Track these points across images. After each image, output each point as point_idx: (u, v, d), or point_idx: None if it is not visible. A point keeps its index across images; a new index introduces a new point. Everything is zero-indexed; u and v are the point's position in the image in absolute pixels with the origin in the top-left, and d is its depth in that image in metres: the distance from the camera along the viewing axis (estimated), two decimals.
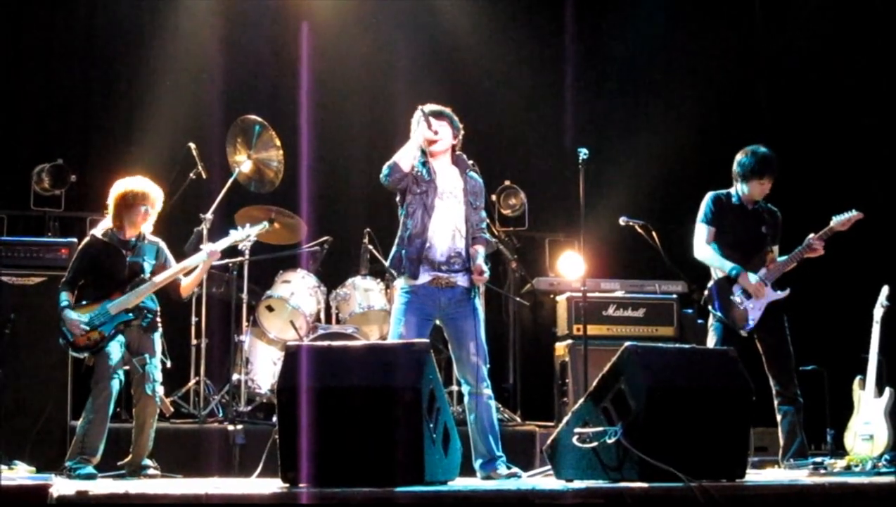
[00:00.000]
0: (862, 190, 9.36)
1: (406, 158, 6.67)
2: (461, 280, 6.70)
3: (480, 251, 6.79)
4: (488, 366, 6.73)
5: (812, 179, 9.64)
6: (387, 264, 6.93)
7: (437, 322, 6.79)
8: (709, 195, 7.68)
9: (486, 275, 6.73)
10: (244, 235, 7.70)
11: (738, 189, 7.61)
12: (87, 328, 7.06)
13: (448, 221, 6.71)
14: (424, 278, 6.65)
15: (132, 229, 7.30)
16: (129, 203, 7.25)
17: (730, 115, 10.46)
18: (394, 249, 6.78)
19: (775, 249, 7.64)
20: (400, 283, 6.74)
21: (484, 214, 6.95)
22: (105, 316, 7.12)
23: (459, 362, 6.74)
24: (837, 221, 7.55)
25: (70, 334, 7.08)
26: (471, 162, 6.91)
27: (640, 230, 8.52)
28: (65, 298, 7.14)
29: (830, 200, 8.29)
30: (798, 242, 7.55)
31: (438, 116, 6.81)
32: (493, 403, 6.75)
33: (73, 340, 7.08)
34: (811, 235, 7.53)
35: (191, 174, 8.86)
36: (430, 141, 6.74)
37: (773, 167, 7.53)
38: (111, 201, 7.29)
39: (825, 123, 10.13)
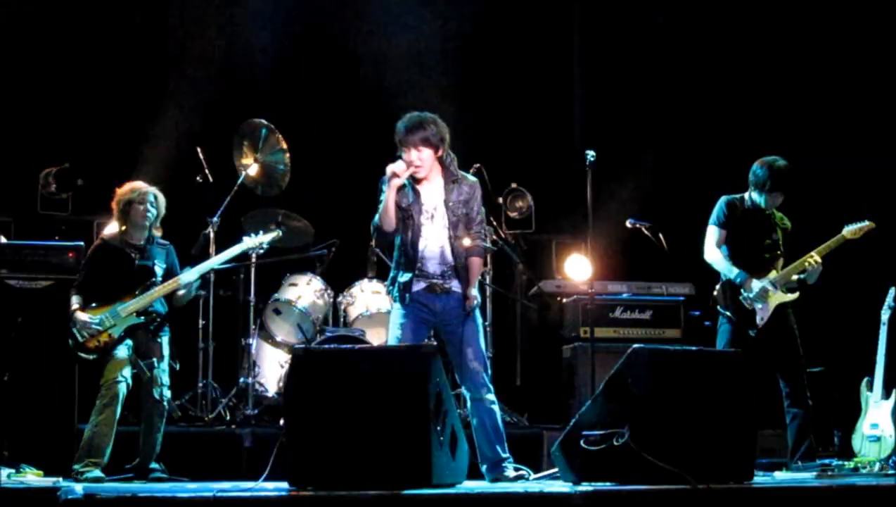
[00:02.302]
0: (868, 190, 9.35)
1: (388, 220, 6.58)
2: (455, 286, 6.66)
3: (474, 270, 6.69)
4: (489, 372, 6.70)
5: (820, 181, 9.62)
6: (385, 285, 6.90)
7: (435, 327, 6.78)
8: (722, 199, 7.68)
9: (476, 302, 6.68)
10: (256, 242, 7.69)
11: (751, 195, 7.61)
12: (98, 330, 7.08)
13: (436, 239, 6.64)
14: (419, 285, 6.64)
15: (139, 231, 7.32)
16: (129, 204, 7.28)
17: (740, 116, 10.44)
18: (391, 272, 6.76)
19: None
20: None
21: (480, 216, 6.78)
22: (115, 319, 7.14)
23: (459, 368, 6.70)
24: (849, 230, 7.55)
25: (80, 336, 7.10)
26: (460, 174, 6.79)
27: (647, 232, 8.52)
28: (75, 301, 7.17)
29: (837, 202, 8.30)
30: (809, 247, 7.55)
31: (420, 143, 6.57)
32: (496, 407, 6.70)
33: (83, 342, 7.10)
34: (815, 251, 7.53)
35: (197, 178, 8.85)
36: (412, 176, 6.65)
37: (787, 183, 7.52)
38: (114, 207, 7.33)
39: (832, 124, 10.12)
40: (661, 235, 8.42)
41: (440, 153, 6.65)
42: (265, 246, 7.87)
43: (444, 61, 10.54)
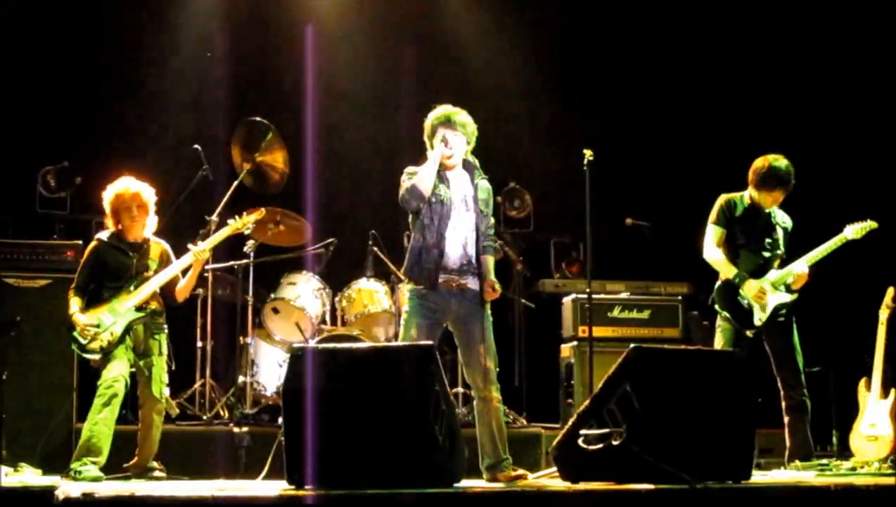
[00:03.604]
0: (869, 188, 9.34)
1: (427, 182, 6.64)
2: (472, 284, 6.69)
3: (490, 265, 6.77)
4: (498, 369, 6.72)
5: (821, 180, 9.62)
6: (402, 272, 6.89)
7: (446, 325, 6.79)
8: (721, 198, 7.67)
9: (499, 291, 6.73)
10: (241, 223, 7.67)
11: (751, 194, 7.60)
12: (99, 331, 7.07)
13: (460, 230, 6.69)
14: (439, 280, 6.65)
15: (134, 231, 7.31)
16: (121, 205, 7.27)
17: (740, 114, 10.43)
18: (409, 258, 6.73)
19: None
20: (411, 286, 6.73)
21: (492, 220, 6.93)
22: (115, 316, 7.13)
23: (469, 364, 6.73)
24: (851, 230, 7.55)
25: (82, 339, 7.09)
26: (478, 166, 6.91)
27: (645, 231, 8.52)
28: (75, 303, 7.15)
29: (839, 200, 8.29)
30: (811, 246, 7.55)
31: (459, 128, 6.76)
32: (501, 406, 6.74)
33: (86, 343, 7.09)
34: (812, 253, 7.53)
35: (200, 172, 8.84)
36: (445, 157, 6.74)
37: (787, 182, 7.50)
38: (106, 208, 7.31)
39: (833, 121, 10.12)
40: (659, 234, 8.42)
41: (470, 147, 6.83)
42: (251, 226, 7.86)
43: (441, 61, 10.54)
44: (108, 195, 7.32)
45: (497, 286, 6.71)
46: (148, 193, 7.34)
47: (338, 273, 9.35)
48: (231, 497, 5.40)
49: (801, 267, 7.50)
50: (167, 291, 7.37)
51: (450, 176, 6.78)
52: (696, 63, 10.67)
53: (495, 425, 6.65)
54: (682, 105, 10.67)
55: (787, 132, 9.79)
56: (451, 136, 6.75)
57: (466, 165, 6.87)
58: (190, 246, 7.44)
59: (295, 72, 10.17)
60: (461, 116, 6.81)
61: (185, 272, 7.40)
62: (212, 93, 10.02)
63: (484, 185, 6.88)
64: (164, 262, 7.39)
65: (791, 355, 7.51)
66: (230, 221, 7.66)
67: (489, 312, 6.77)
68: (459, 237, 6.69)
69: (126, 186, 7.30)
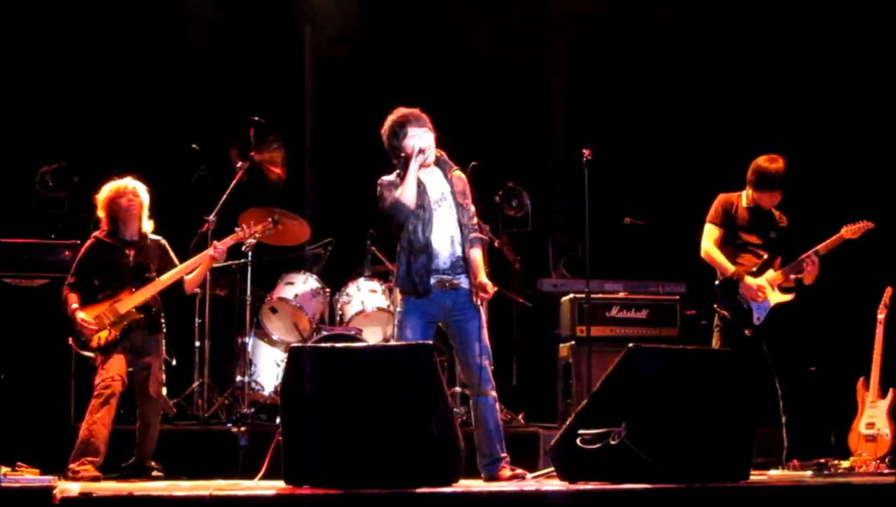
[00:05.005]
0: (865, 189, 9.35)
1: (411, 195, 6.58)
2: (464, 282, 6.68)
3: (479, 259, 6.74)
4: (492, 367, 6.72)
5: (818, 180, 9.63)
6: (394, 281, 6.87)
7: (441, 324, 6.79)
8: (719, 197, 7.68)
9: (491, 292, 6.69)
10: (248, 233, 7.69)
11: (749, 194, 7.60)
12: (97, 328, 7.07)
13: (445, 229, 6.66)
14: (431, 281, 6.63)
15: (129, 228, 7.31)
16: (114, 202, 7.27)
17: (738, 114, 10.43)
18: (399, 268, 6.68)
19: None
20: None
21: (473, 208, 6.85)
22: (116, 316, 7.12)
23: (464, 363, 6.72)
24: (848, 229, 7.54)
25: (81, 335, 7.09)
26: (450, 160, 6.87)
27: (643, 231, 8.51)
28: (72, 299, 7.15)
29: (835, 201, 8.28)
30: (808, 246, 7.54)
31: (429, 125, 6.75)
32: (497, 404, 6.74)
33: (85, 340, 7.09)
34: (814, 250, 7.51)
35: (197, 172, 8.83)
36: (425, 163, 6.70)
37: (784, 181, 7.51)
38: (99, 209, 7.31)
39: (828, 123, 10.11)
40: (657, 234, 8.41)
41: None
42: (257, 236, 7.86)
43: (439, 60, 10.53)
44: (100, 198, 7.33)
45: (489, 288, 6.65)
46: (138, 186, 7.35)
47: (336, 273, 9.34)
48: (229, 497, 5.40)
49: (813, 259, 7.46)
50: (175, 284, 7.36)
51: (424, 178, 6.72)
52: (695, 62, 10.67)
53: (492, 423, 6.64)
54: (681, 104, 10.67)
55: (786, 132, 9.79)
56: (421, 132, 6.70)
57: (438, 161, 6.83)
58: (216, 243, 7.44)
59: (294, 70, 10.17)
60: (424, 115, 6.75)
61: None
62: (210, 92, 10.01)
63: (458, 175, 6.84)
64: (163, 259, 7.39)
65: (789, 355, 7.51)
66: (237, 229, 7.66)
67: (483, 310, 6.75)
68: (445, 237, 6.66)
69: (115, 184, 7.32)
